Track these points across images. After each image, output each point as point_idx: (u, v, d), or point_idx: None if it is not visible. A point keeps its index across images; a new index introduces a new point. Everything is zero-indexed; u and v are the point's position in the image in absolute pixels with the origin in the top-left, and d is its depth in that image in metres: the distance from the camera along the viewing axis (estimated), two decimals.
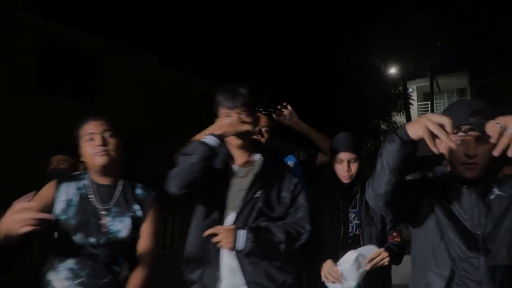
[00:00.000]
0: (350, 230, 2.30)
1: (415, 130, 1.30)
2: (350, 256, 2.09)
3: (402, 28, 17.10)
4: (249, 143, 1.98)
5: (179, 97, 10.93)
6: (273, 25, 13.27)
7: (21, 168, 7.20)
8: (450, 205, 1.53)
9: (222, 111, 1.91)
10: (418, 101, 22.10)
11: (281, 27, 13.39)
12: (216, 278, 1.86)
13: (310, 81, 13.94)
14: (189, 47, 11.63)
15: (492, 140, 1.27)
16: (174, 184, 1.81)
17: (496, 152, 1.24)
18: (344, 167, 2.23)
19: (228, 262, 1.86)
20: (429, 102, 21.32)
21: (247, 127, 1.86)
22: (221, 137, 1.81)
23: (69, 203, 1.82)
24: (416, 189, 1.56)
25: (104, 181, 1.90)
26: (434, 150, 1.29)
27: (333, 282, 2.12)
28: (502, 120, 1.27)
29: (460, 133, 1.45)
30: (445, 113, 1.52)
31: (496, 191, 1.52)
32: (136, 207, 1.91)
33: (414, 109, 20.73)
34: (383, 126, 19.83)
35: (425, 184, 1.58)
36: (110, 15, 9.45)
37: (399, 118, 19.53)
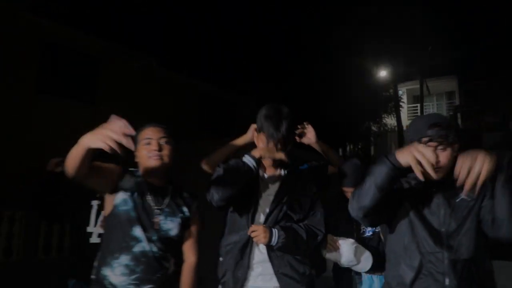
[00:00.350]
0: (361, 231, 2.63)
1: (405, 158, 1.54)
2: (350, 240, 2.46)
3: (393, 32, 17.42)
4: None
5: (178, 97, 11.04)
6: (269, 29, 13.48)
7: (21, 168, 7.24)
8: (420, 205, 1.77)
9: (263, 136, 2.17)
10: (407, 104, 22.50)
11: (276, 31, 13.60)
12: (248, 268, 2.11)
13: (303, 84, 14.15)
14: (187, 48, 11.78)
15: (459, 181, 1.54)
16: (216, 197, 2.09)
17: (464, 193, 1.58)
18: None
19: (258, 256, 2.14)
20: (418, 105, 21.74)
21: (281, 156, 2.12)
22: (259, 160, 2.12)
23: (130, 195, 1.97)
24: (393, 200, 1.78)
25: (155, 182, 2.06)
26: (420, 177, 1.53)
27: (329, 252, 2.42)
28: (466, 159, 1.53)
29: (421, 144, 1.67)
30: (409, 128, 1.82)
31: (461, 195, 1.74)
32: (185, 209, 2.11)
33: (404, 112, 21.12)
34: (374, 128, 20.16)
35: (401, 193, 1.81)
36: (111, 16, 9.56)
37: (390, 120, 19.89)
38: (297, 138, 2.62)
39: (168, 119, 10.65)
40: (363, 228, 2.73)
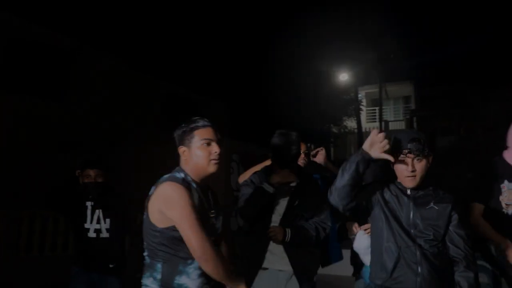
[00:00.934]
0: None
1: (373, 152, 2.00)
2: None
3: (354, 38, 18.03)
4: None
5: (144, 97, 10.96)
6: (229, 33, 13.59)
7: None
8: (395, 208, 2.16)
9: (277, 165, 2.75)
10: (366, 107, 23.26)
11: (236, 35, 13.72)
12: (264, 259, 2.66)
13: (266, 88, 14.34)
14: (155, 50, 11.67)
15: None
16: (241, 223, 2.69)
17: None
18: None
19: (276, 249, 2.65)
20: (376, 108, 22.57)
21: (293, 179, 2.71)
22: (275, 186, 2.61)
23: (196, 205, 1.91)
24: (369, 196, 2.20)
25: (202, 183, 2.01)
26: (390, 158, 2.01)
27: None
28: None
29: (402, 155, 2.08)
30: (392, 139, 2.15)
31: (431, 204, 2.14)
32: (219, 206, 2.17)
33: (363, 114, 21.86)
34: (334, 130, 20.76)
35: (376, 193, 2.20)
36: (80, 15, 9.33)
37: (350, 123, 20.55)
38: (311, 157, 3.35)
39: (135, 119, 10.53)
40: None
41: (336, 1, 16.99)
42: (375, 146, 1.97)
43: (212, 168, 1.94)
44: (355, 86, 20.31)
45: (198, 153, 1.93)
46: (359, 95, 21.30)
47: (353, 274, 3.20)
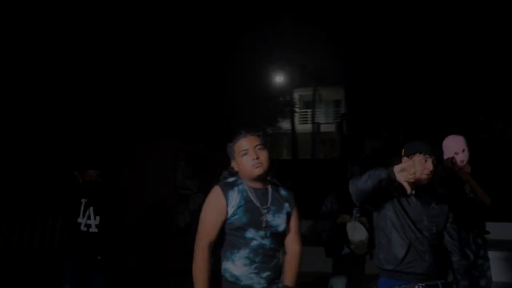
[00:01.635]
0: None
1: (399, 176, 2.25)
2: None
3: (289, 42, 18.65)
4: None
5: None
6: (161, 32, 13.53)
7: None
8: (406, 206, 2.52)
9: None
10: (300, 109, 24.05)
11: (170, 34, 13.69)
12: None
13: (210, 90, 14.46)
14: None
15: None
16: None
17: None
18: None
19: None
20: (309, 110, 23.49)
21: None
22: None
23: (238, 205, 2.18)
24: (383, 194, 2.48)
25: (257, 185, 2.28)
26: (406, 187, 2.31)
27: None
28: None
29: (421, 156, 2.49)
30: (409, 145, 2.59)
31: (433, 204, 2.58)
32: (286, 204, 2.35)
33: (296, 116, 22.61)
34: (269, 131, 21.27)
35: (391, 190, 2.51)
36: None
37: (284, 124, 21.18)
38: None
39: None
40: None
41: (273, 6, 17.49)
42: (404, 173, 2.21)
43: (256, 172, 2.23)
44: (290, 89, 20.98)
45: (240, 164, 2.27)
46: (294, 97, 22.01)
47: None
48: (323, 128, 23.87)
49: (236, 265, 2.17)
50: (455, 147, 3.72)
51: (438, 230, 2.54)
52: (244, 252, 2.17)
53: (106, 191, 3.82)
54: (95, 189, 3.76)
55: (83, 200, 3.75)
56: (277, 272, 2.27)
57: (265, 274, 2.18)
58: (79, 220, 3.69)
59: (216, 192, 2.23)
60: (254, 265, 2.16)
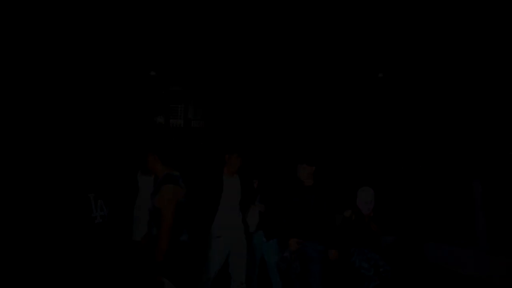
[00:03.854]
0: None
1: None
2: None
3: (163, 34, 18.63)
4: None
5: None
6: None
7: None
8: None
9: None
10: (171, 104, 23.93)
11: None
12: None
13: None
14: None
15: None
16: None
17: None
18: None
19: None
20: (179, 105, 23.63)
21: None
22: None
23: None
24: None
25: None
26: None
27: None
28: None
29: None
30: None
31: None
32: None
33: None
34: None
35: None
36: None
37: (159, 119, 21.04)
38: None
39: None
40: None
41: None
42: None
43: None
44: (164, 83, 20.91)
45: None
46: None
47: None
48: (194, 124, 24.23)
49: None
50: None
51: None
52: None
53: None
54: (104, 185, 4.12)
55: (90, 196, 3.98)
56: None
57: None
58: (94, 214, 3.95)
59: None
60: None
